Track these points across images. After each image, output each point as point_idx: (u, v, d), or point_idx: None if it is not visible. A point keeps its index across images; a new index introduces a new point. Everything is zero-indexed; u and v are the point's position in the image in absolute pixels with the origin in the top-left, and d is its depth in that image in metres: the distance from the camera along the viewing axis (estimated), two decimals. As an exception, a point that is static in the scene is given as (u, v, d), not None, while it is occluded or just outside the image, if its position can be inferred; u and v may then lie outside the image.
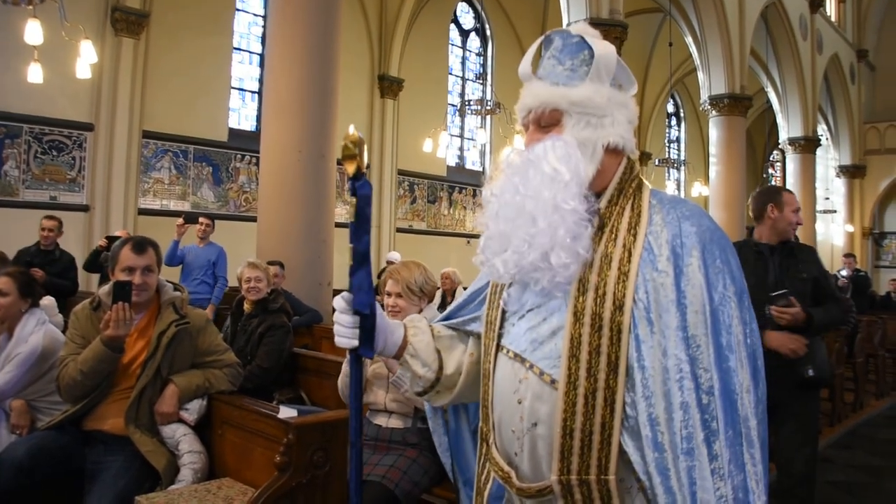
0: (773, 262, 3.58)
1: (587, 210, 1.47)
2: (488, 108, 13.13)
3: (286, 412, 2.86)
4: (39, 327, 3.50)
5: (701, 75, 14.86)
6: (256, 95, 12.61)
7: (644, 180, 1.59)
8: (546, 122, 1.54)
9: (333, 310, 1.64)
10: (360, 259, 1.61)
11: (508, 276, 1.52)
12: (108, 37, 10.15)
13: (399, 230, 14.97)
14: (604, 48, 1.53)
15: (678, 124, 24.97)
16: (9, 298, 3.48)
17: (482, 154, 17.06)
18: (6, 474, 2.79)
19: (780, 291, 3.38)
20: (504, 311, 1.60)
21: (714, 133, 14.72)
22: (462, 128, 17.15)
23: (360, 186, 1.58)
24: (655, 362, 1.38)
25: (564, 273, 1.44)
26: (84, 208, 10.07)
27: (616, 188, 1.54)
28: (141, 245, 3.12)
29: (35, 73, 8.35)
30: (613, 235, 1.48)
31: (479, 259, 1.60)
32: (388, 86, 14.63)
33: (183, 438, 3.10)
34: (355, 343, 1.61)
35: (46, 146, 9.82)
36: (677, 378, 1.36)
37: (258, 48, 12.78)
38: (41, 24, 7.74)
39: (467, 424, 1.93)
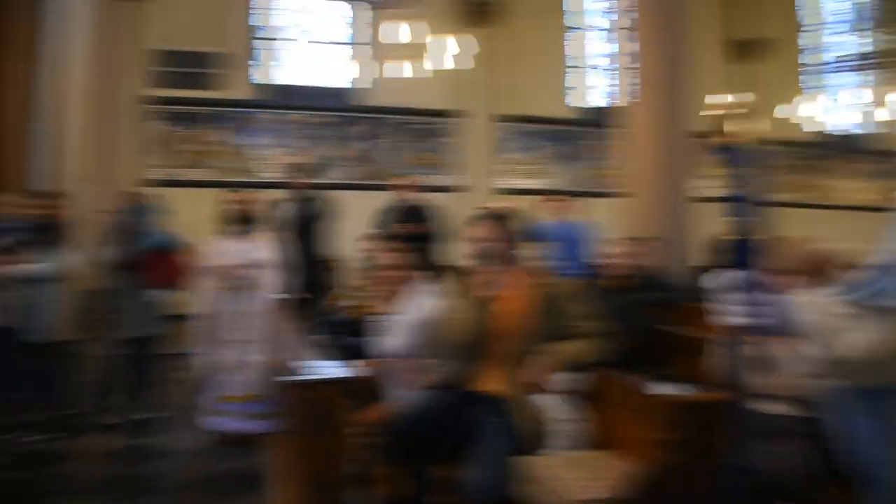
0: None
1: None
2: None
3: (660, 389, 2.82)
4: (427, 296, 3.91)
5: None
6: (604, 72, 12.49)
7: None
8: None
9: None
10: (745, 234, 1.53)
11: None
12: (461, 30, 10.92)
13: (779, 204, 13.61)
14: None
15: None
16: (402, 271, 3.96)
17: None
18: (401, 429, 3.20)
19: None
20: None
21: None
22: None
23: (735, 158, 1.60)
24: None
25: None
26: (452, 189, 10.96)
27: None
28: (478, 220, 3.49)
29: (404, 69, 9.53)
30: None
31: None
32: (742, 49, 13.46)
33: (556, 407, 3.21)
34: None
35: (414, 134, 11.09)
36: None
37: (600, 22, 12.67)
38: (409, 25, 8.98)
39: None
